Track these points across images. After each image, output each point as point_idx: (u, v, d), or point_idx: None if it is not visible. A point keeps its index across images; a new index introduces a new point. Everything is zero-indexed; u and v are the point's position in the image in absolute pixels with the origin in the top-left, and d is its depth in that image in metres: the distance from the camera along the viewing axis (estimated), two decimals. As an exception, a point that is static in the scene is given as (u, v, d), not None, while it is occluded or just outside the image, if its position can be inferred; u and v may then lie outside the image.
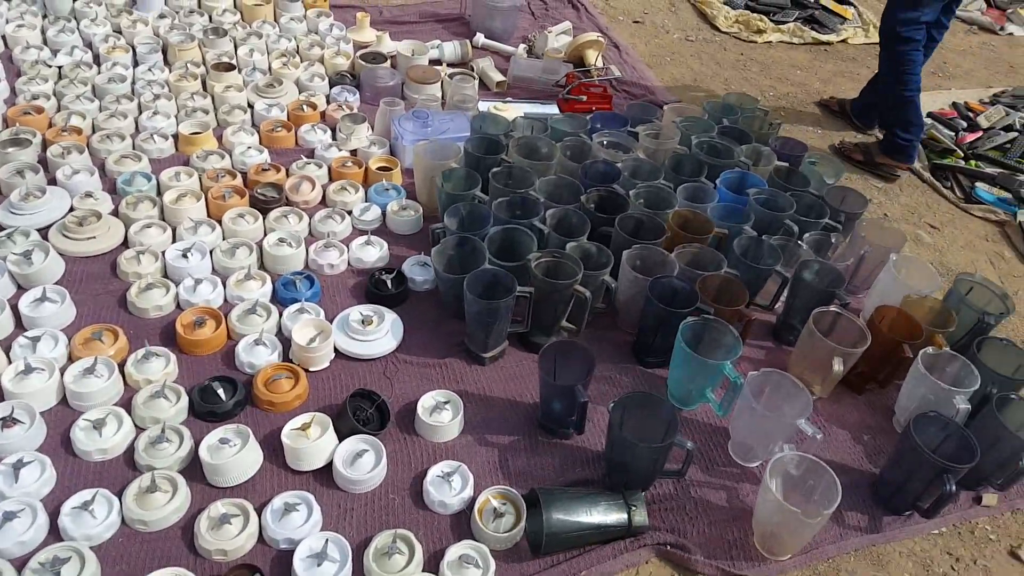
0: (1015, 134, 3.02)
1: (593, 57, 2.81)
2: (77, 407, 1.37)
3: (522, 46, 2.84)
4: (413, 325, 1.67)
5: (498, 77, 2.62)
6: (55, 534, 1.19)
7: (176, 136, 2.09)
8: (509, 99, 2.50)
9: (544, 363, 1.41)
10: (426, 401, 1.46)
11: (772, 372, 1.43)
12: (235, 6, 2.72)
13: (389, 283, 1.72)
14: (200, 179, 1.94)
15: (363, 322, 1.60)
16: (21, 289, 1.57)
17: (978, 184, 2.77)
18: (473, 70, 2.65)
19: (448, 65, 2.67)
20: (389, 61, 2.56)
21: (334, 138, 2.20)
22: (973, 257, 2.36)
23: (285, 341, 1.56)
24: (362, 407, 1.44)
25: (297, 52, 2.54)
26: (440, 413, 1.44)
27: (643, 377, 1.64)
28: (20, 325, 1.51)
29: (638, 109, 2.32)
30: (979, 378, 1.49)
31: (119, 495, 1.24)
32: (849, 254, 1.91)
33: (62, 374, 1.38)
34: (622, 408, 1.33)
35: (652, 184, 1.90)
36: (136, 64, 2.37)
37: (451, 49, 2.70)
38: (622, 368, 1.65)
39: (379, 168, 2.08)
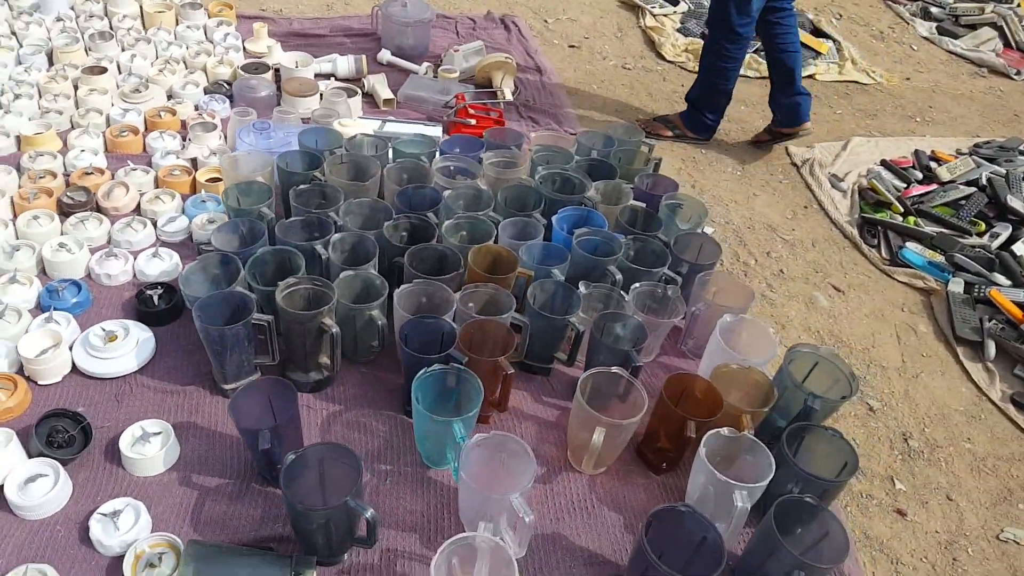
0: (973, 190, 2.76)
1: (499, 79, 2.70)
2: None
3: (426, 64, 2.75)
4: (169, 346, 1.56)
5: (387, 94, 2.53)
6: None
7: (19, 137, 2.05)
8: (390, 118, 2.40)
9: (243, 400, 1.28)
10: (134, 430, 1.35)
11: (501, 436, 1.26)
12: (140, 13, 2.70)
13: (155, 298, 1.62)
14: (21, 179, 1.88)
15: (106, 338, 1.50)
16: None
17: (908, 244, 2.54)
18: (365, 87, 2.56)
19: (337, 80, 2.59)
20: (271, 73, 2.49)
21: (184, 146, 2.13)
22: (876, 328, 2.15)
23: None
24: (63, 429, 1.33)
25: (183, 60, 2.50)
26: (144, 445, 1.32)
27: (401, 427, 1.49)
28: None
29: (500, 135, 2.19)
30: (773, 471, 1.27)
31: None
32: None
33: None
34: (302, 460, 1.19)
35: (473, 216, 1.77)
36: (19, 64, 2.35)
37: (345, 64, 2.62)
38: (382, 415, 1.50)
39: (208, 179, 2.00)
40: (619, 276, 1.67)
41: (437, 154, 2.06)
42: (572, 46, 3.19)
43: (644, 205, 1.95)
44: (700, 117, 2.70)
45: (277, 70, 2.50)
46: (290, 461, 1.15)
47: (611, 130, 2.29)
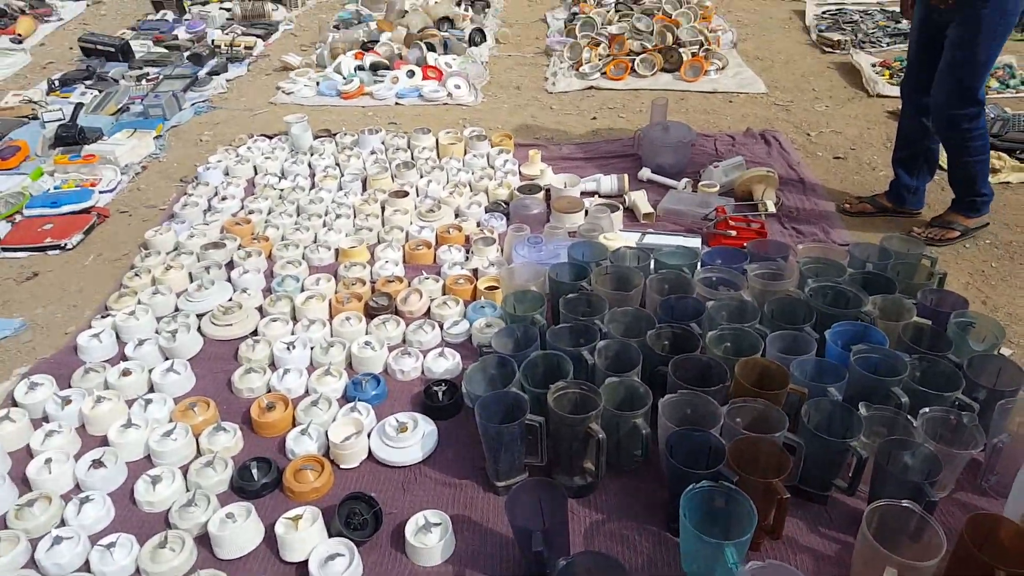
0: None
1: (760, 192, 2.64)
2: (156, 462, 1.62)
3: (685, 180, 2.78)
4: (449, 440, 1.67)
5: (647, 209, 2.58)
6: (87, 566, 1.40)
7: (337, 250, 2.43)
8: (650, 230, 2.44)
9: (519, 498, 1.31)
10: (417, 519, 1.44)
11: (777, 566, 1.14)
12: (436, 145, 3.12)
13: (440, 394, 1.76)
14: (337, 285, 2.22)
15: (399, 428, 1.65)
16: (166, 359, 1.93)
17: None
18: (626, 202, 2.65)
19: (601, 196, 2.71)
20: (543, 193, 2.69)
21: (467, 258, 2.36)
22: None
23: (332, 435, 1.67)
24: (359, 511, 1.47)
25: (469, 184, 2.81)
26: (426, 535, 1.40)
27: (664, 545, 1.41)
28: (152, 389, 1.85)
29: (763, 246, 2.10)
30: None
31: (143, 544, 1.41)
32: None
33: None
34: (571, 569, 1.16)
35: (739, 327, 1.69)
36: (340, 189, 2.83)
37: (608, 182, 2.75)
38: (644, 530, 1.44)
39: (487, 287, 2.17)
40: (905, 399, 1.48)
41: (698, 265, 2.03)
42: (837, 157, 3.03)
43: (930, 322, 1.73)
44: (973, 198, 2.43)
45: (548, 190, 2.70)
46: (561, 567, 1.14)
47: (886, 242, 2.09)
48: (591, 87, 3.66)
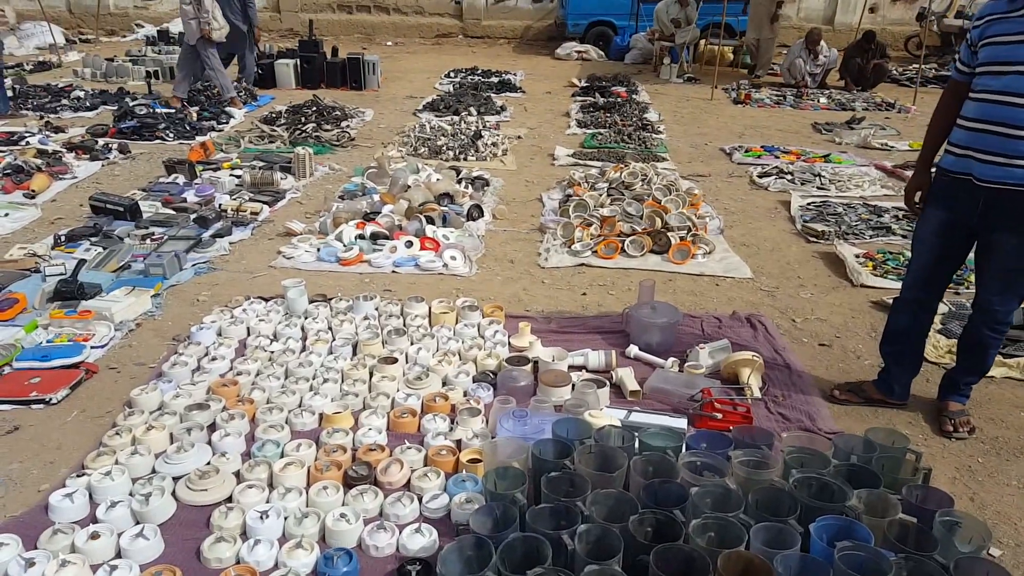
0: None
1: (746, 375, 2.81)
2: (111, 635, 1.63)
3: (672, 359, 2.95)
4: (420, 625, 1.68)
5: (633, 386, 2.73)
6: None
7: (321, 415, 2.54)
8: (636, 408, 2.57)
9: None
10: None
11: None
12: (429, 313, 3.33)
13: (414, 574, 1.79)
14: (318, 452, 2.30)
15: (369, 610, 1.67)
16: (138, 523, 1.97)
17: None
18: (613, 378, 2.81)
19: (588, 371, 2.87)
20: (531, 365, 2.85)
21: (451, 428, 2.46)
22: None
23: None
24: None
25: (459, 352, 2.98)
26: None
27: None
28: (119, 555, 1.87)
29: (748, 432, 2.23)
30: None
31: None
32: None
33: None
34: None
35: (723, 517, 1.78)
36: (330, 353, 2.99)
37: (596, 357, 2.92)
38: None
39: (469, 460, 2.26)
40: (893, 603, 1.52)
41: (683, 448, 2.14)
42: (823, 344, 3.24)
43: (916, 520, 1.81)
44: (971, 386, 2.69)
45: (536, 363, 2.86)
46: None
47: (871, 434, 2.22)
48: (582, 264, 3.96)
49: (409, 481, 2.19)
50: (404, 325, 3.21)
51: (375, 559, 1.91)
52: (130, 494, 2.05)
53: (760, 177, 5.60)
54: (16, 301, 3.17)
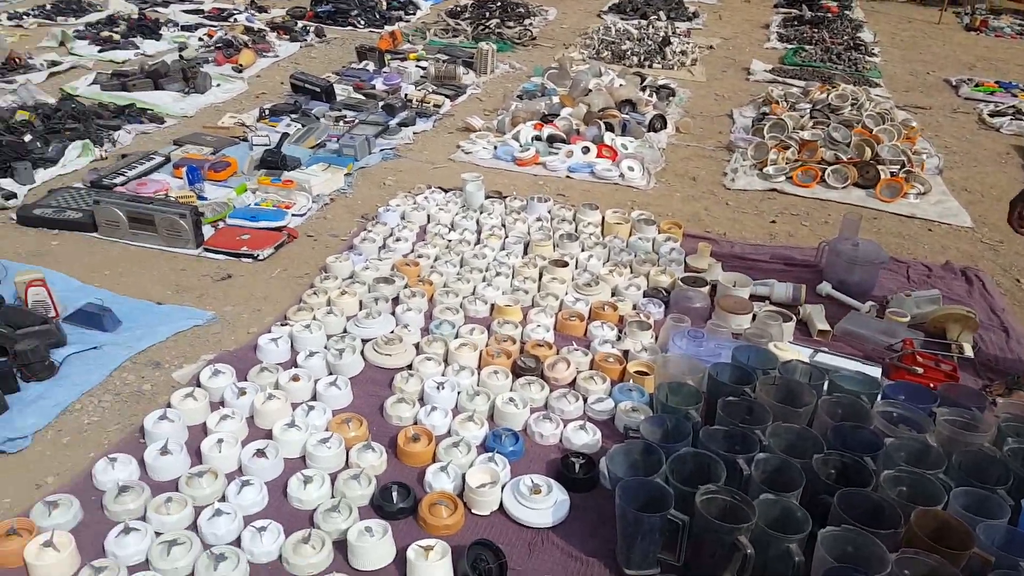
0: None
1: (956, 332, 2.60)
2: (309, 464, 1.87)
3: (869, 303, 2.77)
4: (580, 513, 1.78)
5: (823, 325, 2.61)
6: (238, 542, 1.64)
7: (493, 305, 2.67)
8: (823, 349, 2.46)
9: None
10: (540, 578, 1.56)
11: None
12: (602, 221, 3.34)
13: (577, 466, 1.89)
14: (489, 338, 2.44)
15: (533, 489, 1.79)
16: (331, 374, 2.21)
17: None
18: (800, 314, 2.70)
19: (772, 303, 2.77)
20: (708, 288, 2.81)
21: (619, 339, 2.51)
22: None
23: (468, 479, 1.84)
24: (485, 559, 1.61)
25: (630, 265, 2.99)
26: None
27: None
28: (315, 397, 2.12)
29: (958, 392, 2.08)
30: None
31: (287, 535, 1.64)
32: None
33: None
34: None
35: (920, 473, 1.68)
36: (503, 249, 3.10)
37: (783, 290, 2.80)
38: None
39: (637, 371, 2.30)
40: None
41: (879, 397, 2.05)
42: (1048, 306, 2.92)
43: None
44: None
45: (714, 286, 2.81)
46: None
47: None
48: (774, 189, 3.77)
49: (575, 381, 2.28)
50: (576, 231, 3.24)
51: (539, 445, 2.02)
52: (325, 347, 2.29)
53: (992, 116, 4.98)
54: (228, 164, 3.53)
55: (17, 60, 4.89)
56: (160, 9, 6.60)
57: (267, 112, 4.29)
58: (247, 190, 3.34)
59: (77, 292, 2.57)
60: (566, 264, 2.91)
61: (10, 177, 3.35)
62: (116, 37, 5.63)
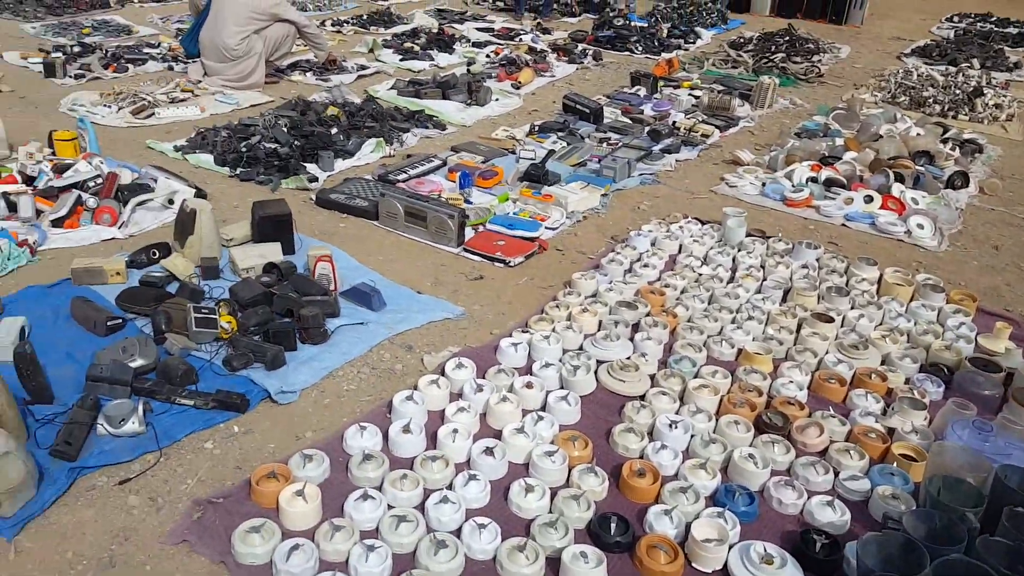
0: None
1: None
2: (532, 473, 1.89)
3: None
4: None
5: None
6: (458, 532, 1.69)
7: (741, 350, 2.50)
8: None
9: None
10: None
11: None
12: (879, 279, 3.01)
13: (818, 545, 1.69)
14: (732, 385, 2.29)
15: (764, 559, 1.63)
16: (562, 388, 2.22)
17: None
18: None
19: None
20: (1003, 375, 2.40)
21: (884, 413, 2.23)
22: None
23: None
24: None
25: (908, 334, 2.65)
26: None
27: None
28: (544, 408, 2.14)
29: None
30: None
31: (504, 539, 1.65)
32: None
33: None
34: None
35: None
36: (758, 292, 2.92)
37: (1100, 394, 2.33)
38: None
39: (902, 454, 2.02)
40: None
41: None
42: None
43: None
44: None
45: (1010, 374, 2.40)
46: None
47: None
48: (1104, 275, 3.15)
49: (826, 450, 2.05)
50: (847, 285, 2.95)
51: (776, 512, 1.85)
52: (560, 360, 2.31)
53: None
54: (496, 174, 3.73)
55: (334, 62, 5.62)
56: (456, 25, 7.23)
57: (537, 128, 4.49)
58: (508, 199, 3.50)
59: (354, 271, 2.86)
60: (831, 320, 2.65)
61: (315, 163, 3.85)
62: (416, 48, 6.26)
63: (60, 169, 3.27)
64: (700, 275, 2.97)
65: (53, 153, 3.52)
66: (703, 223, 3.41)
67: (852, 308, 2.77)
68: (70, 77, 4.99)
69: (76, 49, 5.48)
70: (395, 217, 3.24)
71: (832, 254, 3.16)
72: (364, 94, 4.99)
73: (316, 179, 3.70)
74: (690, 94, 5.26)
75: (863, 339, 2.55)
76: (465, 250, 3.09)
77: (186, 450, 1.94)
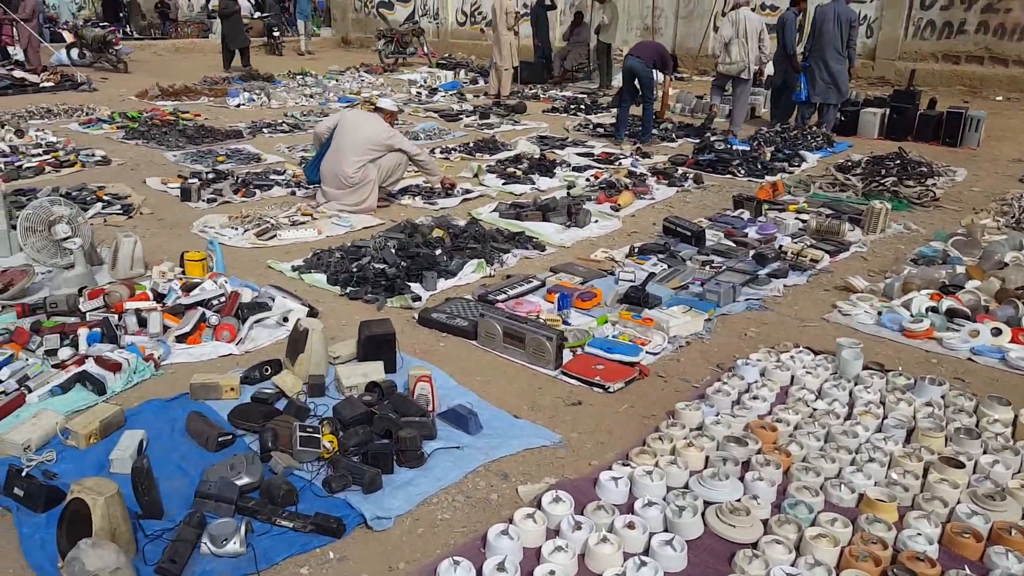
0: None
1: None
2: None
3: None
4: None
5: None
6: None
7: (862, 495, 2.34)
8: None
9: None
10: None
11: None
12: (1013, 422, 2.78)
13: None
14: (854, 535, 2.13)
15: None
16: (665, 531, 2.13)
17: None
18: None
19: None
20: None
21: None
22: None
23: None
24: None
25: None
26: None
27: None
28: (647, 551, 2.04)
29: None
30: None
31: None
32: None
33: None
34: None
35: None
36: (879, 431, 2.74)
37: None
38: None
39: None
40: None
41: None
42: None
43: None
44: None
45: None
46: None
47: None
48: None
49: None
50: (977, 426, 2.74)
51: None
52: (664, 499, 2.22)
53: None
54: (594, 295, 3.77)
55: (452, 187, 5.93)
56: (557, 151, 7.55)
57: (637, 250, 4.54)
58: (607, 321, 3.51)
59: (452, 391, 2.91)
60: (962, 465, 2.46)
61: (419, 283, 4.01)
62: (518, 173, 6.55)
63: (188, 287, 3.57)
64: (814, 410, 2.84)
65: (183, 272, 3.85)
66: (816, 353, 3.29)
67: (985, 452, 2.57)
68: (203, 201, 5.50)
69: (210, 175, 6.06)
70: (494, 337, 3.30)
71: (959, 391, 2.97)
72: (468, 216, 5.23)
73: (419, 298, 3.85)
74: (796, 217, 5.21)
75: (1000, 488, 2.34)
76: (563, 373, 3.09)
77: (282, 575, 1.96)
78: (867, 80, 12.67)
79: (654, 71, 7.91)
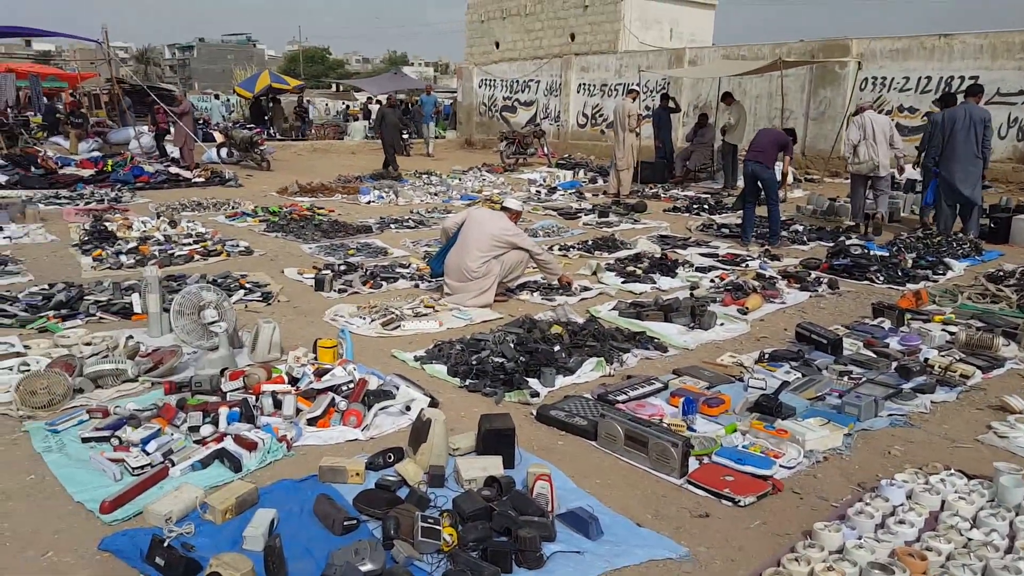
0: None
1: None
2: None
3: None
4: None
5: None
6: None
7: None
8: None
9: None
10: None
11: None
12: None
13: None
14: None
15: None
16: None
17: None
18: None
19: None
20: None
21: None
22: None
23: None
24: None
25: None
26: None
27: None
28: None
29: None
30: None
31: None
32: None
33: None
34: None
35: None
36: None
37: None
38: None
39: None
40: None
41: None
42: None
43: None
44: None
45: None
46: None
47: None
48: None
49: None
50: None
51: None
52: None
53: None
54: (722, 402, 3.71)
55: (569, 284, 6.08)
56: (679, 251, 7.59)
57: (767, 356, 4.45)
58: (736, 430, 3.44)
59: (570, 493, 2.92)
60: None
61: (537, 379, 4.09)
62: (638, 272, 6.62)
63: (320, 373, 3.81)
64: (969, 540, 2.63)
65: (315, 358, 4.12)
66: (969, 477, 3.07)
67: None
68: (335, 291, 5.90)
69: (342, 267, 6.51)
70: (614, 439, 3.29)
71: None
72: (586, 314, 5.31)
73: (537, 394, 3.92)
74: (943, 329, 4.96)
75: None
76: (689, 482, 3.03)
77: (401, 666, 2.00)
78: (1018, 185, 12.08)
79: (779, 163, 7.95)
